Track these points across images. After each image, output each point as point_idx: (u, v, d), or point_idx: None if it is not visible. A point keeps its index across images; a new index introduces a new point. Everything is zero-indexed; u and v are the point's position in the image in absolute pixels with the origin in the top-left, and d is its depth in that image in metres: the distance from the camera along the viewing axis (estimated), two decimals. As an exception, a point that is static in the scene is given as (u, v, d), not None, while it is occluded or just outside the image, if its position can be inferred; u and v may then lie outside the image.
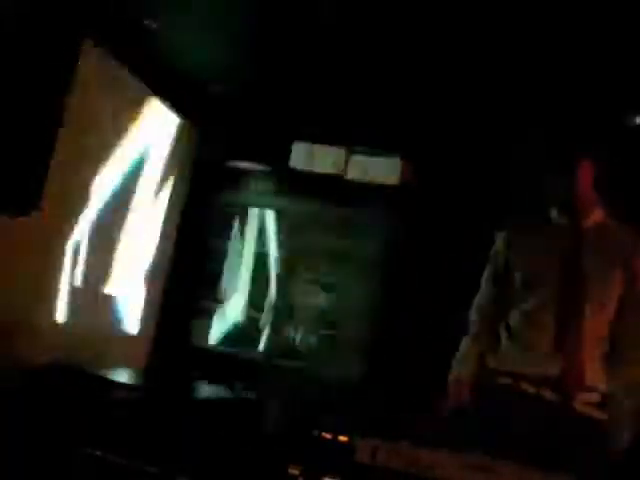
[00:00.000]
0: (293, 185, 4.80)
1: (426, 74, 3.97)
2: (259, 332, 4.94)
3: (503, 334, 2.31)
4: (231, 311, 4.99)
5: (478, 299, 2.48)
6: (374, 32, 3.66)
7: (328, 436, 2.63)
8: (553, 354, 2.19)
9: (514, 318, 2.31)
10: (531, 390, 2.20)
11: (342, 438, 2.53)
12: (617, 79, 3.45)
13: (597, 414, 2.20)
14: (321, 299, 4.83)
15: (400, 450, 1.92)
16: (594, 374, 2.20)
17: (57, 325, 3.85)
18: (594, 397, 2.21)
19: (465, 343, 2.45)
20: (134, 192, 4.42)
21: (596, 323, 2.21)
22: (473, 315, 2.48)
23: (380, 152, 4.62)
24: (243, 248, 5.04)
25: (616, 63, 3.31)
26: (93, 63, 3.69)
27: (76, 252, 3.93)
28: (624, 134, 3.64)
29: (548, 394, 2.18)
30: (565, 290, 2.23)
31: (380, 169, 4.61)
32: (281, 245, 4.97)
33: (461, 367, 2.35)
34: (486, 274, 2.48)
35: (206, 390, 4.12)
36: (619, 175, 2.58)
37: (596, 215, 2.34)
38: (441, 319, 4.09)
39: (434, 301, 4.23)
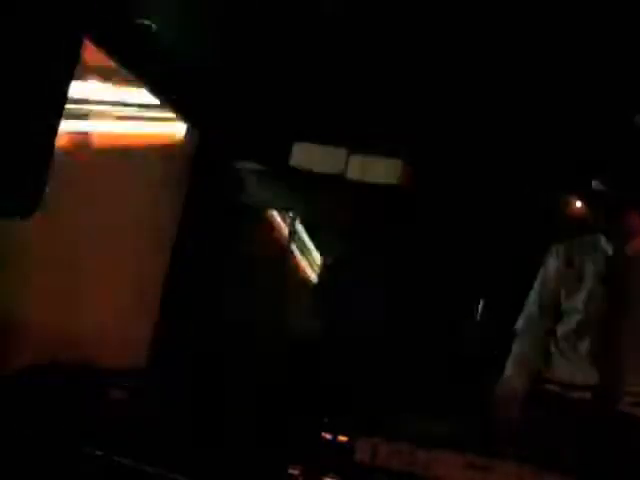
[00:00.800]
0: (293, 185, 4.80)
1: (426, 74, 3.97)
2: (259, 332, 4.95)
3: (552, 346, 2.44)
4: (231, 311, 4.99)
5: (529, 316, 2.58)
6: (374, 32, 3.66)
7: (328, 436, 2.64)
8: (596, 366, 2.30)
9: (562, 332, 2.44)
10: (578, 396, 2.31)
11: (342, 438, 2.54)
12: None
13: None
14: (321, 299, 4.84)
15: (400, 450, 1.92)
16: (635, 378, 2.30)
17: (56, 325, 3.85)
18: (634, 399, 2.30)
19: (520, 355, 2.53)
20: (134, 192, 4.42)
21: (636, 338, 2.33)
22: (525, 330, 2.57)
23: (380, 152, 4.62)
24: (243, 248, 5.04)
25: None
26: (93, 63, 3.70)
27: (76, 252, 3.93)
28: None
29: (593, 400, 2.28)
30: (608, 310, 2.36)
31: (380, 169, 4.61)
32: (280, 245, 4.97)
33: (516, 379, 2.45)
34: (539, 291, 2.58)
35: (205, 390, 4.12)
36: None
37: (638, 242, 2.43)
38: (442, 319, 4.09)
39: (435, 301, 4.23)
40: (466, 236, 4.17)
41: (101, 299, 4.20)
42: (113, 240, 4.27)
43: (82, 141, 3.90)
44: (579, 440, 2.15)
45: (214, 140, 4.91)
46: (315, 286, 4.91)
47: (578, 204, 3.80)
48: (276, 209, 4.98)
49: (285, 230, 4.99)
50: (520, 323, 2.64)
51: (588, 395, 2.31)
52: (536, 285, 2.64)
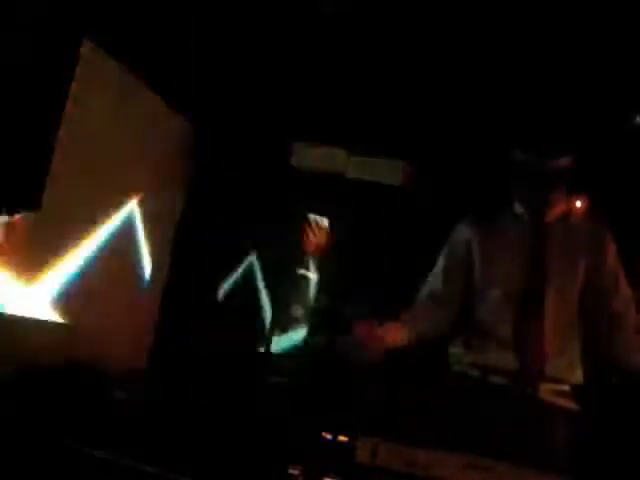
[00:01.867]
0: (294, 185, 4.80)
1: (426, 75, 3.97)
2: (259, 332, 4.95)
3: (470, 328, 2.32)
4: (231, 311, 4.99)
5: (432, 286, 2.43)
6: (374, 33, 3.66)
7: (328, 436, 2.64)
8: (516, 347, 2.22)
9: (478, 311, 2.32)
10: (498, 381, 2.23)
11: (342, 438, 2.54)
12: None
13: (564, 403, 2.22)
14: (320, 298, 4.84)
15: (400, 450, 1.92)
16: (560, 365, 2.23)
17: (57, 325, 3.85)
18: (561, 387, 2.23)
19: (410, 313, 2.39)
20: (134, 192, 4.42)
21: (559, 316, 2.23)
22: (425, 299, 2.42)
23: (380, 152, 4.62)
24: (244, 248, 5.04)
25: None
26: (93, 63, 3.69)
27: (76, 251, 3.93)
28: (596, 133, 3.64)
29: (514, 385, 2.21)
30: (527, 284, 2.26)
31: (380, 169, 4.61)
32: (281, 245, 4.97)
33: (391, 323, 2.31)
34: (444, 263, 2.44)
35: (205, 390, 4.12)
36: (585, 173, 2.57)
37: (559, 209, 2.33)
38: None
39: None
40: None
41: (101, 299, 4.20)
42: (113, 240, 4.28)
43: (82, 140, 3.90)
44: (497, 428, 2.09)
45: (214, 140, 4.91)
46: (317, 284, 4.91)
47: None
48: (276, 209, 4.98)
49: (285, 230, 4.98)
50: (422, 292, 2.46)
51: (507, 381, 2.22)
52: (441, 260, 2.46)
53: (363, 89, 4.24)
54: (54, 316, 3.84)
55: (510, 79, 3.76)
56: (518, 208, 2.35)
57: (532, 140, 2.27)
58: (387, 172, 4.59)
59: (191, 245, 4.92)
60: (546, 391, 2.20)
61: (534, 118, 2.58)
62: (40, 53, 3.21)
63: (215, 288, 5.00)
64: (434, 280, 2.42)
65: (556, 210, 2.29)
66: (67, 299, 3.91)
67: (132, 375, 4.14)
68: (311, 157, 4.75)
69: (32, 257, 3.60)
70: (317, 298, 4.91)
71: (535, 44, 3.42)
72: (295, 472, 2.39)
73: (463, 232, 2.41)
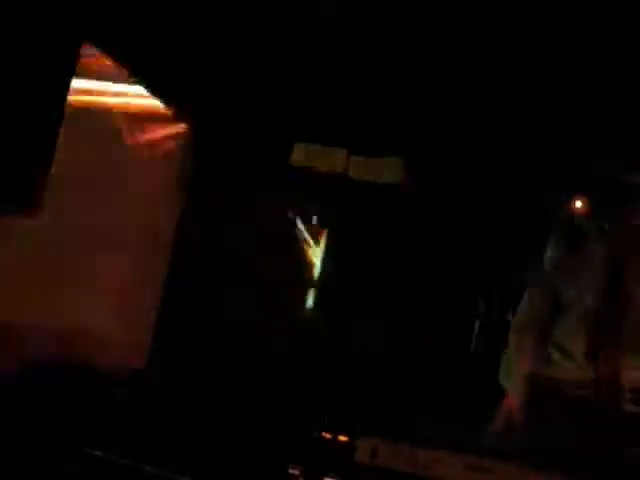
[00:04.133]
0: (293, 185, 4.80)
1: (426, 74, 3.97)
2: (259, 332, 4.94)
3: (550, 347, 2.37)
4: (231, 311, 4.98)
5: (522, 317, 2.49)
6: (374, 33, 3.66)
7: (328, 436, 2.63)
8: (594, 362, 2.25)
9: (561, 327, 2.36)
10: (577, 394, 2.26)
11: (342, 438, 2.53)
12: None
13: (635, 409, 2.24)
14: (322, 298, 4.83)
15: (400, 450, 1.92)
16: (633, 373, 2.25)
17: (57, 325, 3.85)
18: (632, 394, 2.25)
19: (512, 361, 2.45)
20: (133, 192, 4.41)
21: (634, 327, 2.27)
22: (517, 334, 2.48)
23: (380, 152, 4.62)
24: (244, 248, 5.04)
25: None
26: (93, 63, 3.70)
27: (76, 251, 3.93)
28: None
29: (593, 398, 2.24)
30: (610, 300, 2.29)
31: (380, 169, 4.61)
32: (281, 245, 4.97)
33: (513, 388, 2.37)
34: (533, 293, 2.49)
35: (206, 389, 4.11)
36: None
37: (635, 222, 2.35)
38: (443, 318, 4.09)
39: (436, 300, 4.23)
40: (466, 235, 4.17)
41: (101, 299, 4.20)
42: (113, 239, 4.27)
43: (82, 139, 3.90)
44: (581, 440, 2.12)
45: (214, 140, 4.91)
46: (316, 285, 4.91)
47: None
48: (276, 209, 4.98)
49: (285, 230, 4.98)
50: (518, 320, 2.53)
51: (588, 393, 2.26)
52: (534, 281, 2.53)
53: (363, 89, 4.24)
54: (54, 316, 3.84)
55: (514, 81, 3.75)
56: (595, 222, 2.36)
57: (612, 153, 2.28)
58: (387, 172, 4.59)
59: (191, 245, 4.92)
60: (630, 401, 2.21)
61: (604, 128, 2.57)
62: (40, 53, 3.21)
63: (215, 288, 5.00)
64: (530, 309, 2.46)
65: (632, 224, 2.30)
66: (67, 299, 3.91)
67: (132, 375, 4.14)
68: (311, 157, 4.75)
69: (32, 256, 3.60)
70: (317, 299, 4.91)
71: (542, 45, 3.41)
72: (295, 472, 2.39)
73: (549, 254, 2.45)
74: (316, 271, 4.98)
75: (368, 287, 4.62)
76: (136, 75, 4.13)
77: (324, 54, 3.95)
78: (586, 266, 2.34)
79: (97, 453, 3.15)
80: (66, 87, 3.43)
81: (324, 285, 4.89)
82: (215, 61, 4.27)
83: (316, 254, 4.98)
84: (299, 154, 4.77)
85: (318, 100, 4.43)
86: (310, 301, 4.96)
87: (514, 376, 2.40)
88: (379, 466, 1.89)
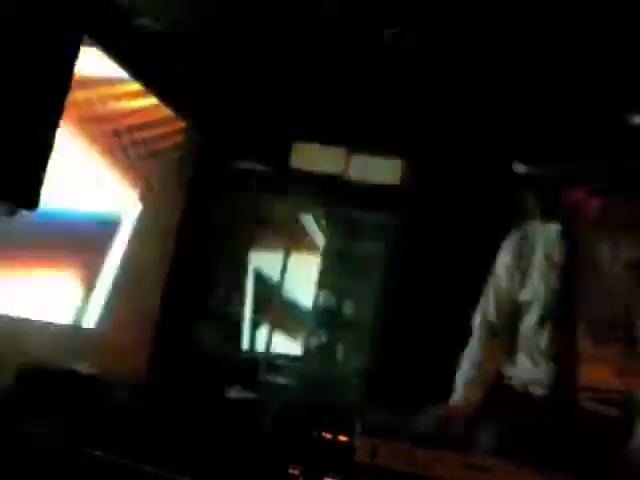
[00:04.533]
0: (293, 185, 4.80)
1: (425, 75, 3.98)
2: (259, 332, 4.95)
3: (515, 344, 2.36)
4: (231, 311, 4.99)
5: (484, 315, 2.47)
6: (374, 33, 3.66)
7: (328, 436, 2.63)
8: (554, 361, 2.24)
9: (523, 328, 2.35)
10: (539, 393, 2.25)
11: (342, 438, 2.53)
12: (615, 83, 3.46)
13: (605, 410, 2.23)
14: (323, 299, 4.84)
15: (400, 450, 1.92)
16: (600, 373, 2.24)
17: (57, 325, 3.85)
18: (602, 395, 2.24)
19: (470, 362, 2.43)
20: (133, 191, 4.42)
21: (598, 325, 2.24)
22: (481, 334, 2.46)
23: (380, 152, 4.63)
24: (244, 248, 5.04)
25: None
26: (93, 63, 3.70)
27: (76, 251, 3.94)
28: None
29: (553, 396, 2.23)
30: (564, 298, 2.27)
31: (380, 169, 4.61)
32: (280, 245, 4.97)
33: (470, 390, 2.35)
34: (493, 286, 2.47)
35: (207, 390, 4.12)
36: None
37: (589, 214, 2.32)
38: (443, 318, 4.09)
39: (435, 301, 4.23)
40: (466, 235, 4.18)
41: (100, 298, 4.20)
42: (112, 239, 4.28)
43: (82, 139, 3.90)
44: (541, 438, 2.11)
45: (214, 140, 4.92)
46: (316, 284, 4.91)
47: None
48: (276, 209, 4.98)
49: (286, 230, 4.99)
50: (475, 323, 2.49)
51: (548, 392, 2.25)
52: (489, 285, 2.49)
53: (363, 89, 4.25)
54: (54, 317, 3.85)
55: (512, 81, 3.76)
56: (544, 220, 2.35)
57: (537, 149, 2.27)
58: (387, 172, 4.59)
59: (192, 245, 4.92)
60: (587, 399, 2.21)
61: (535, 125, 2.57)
62: (40, 53, 3.21)
63: (215, 289, 5.00)
64: (486, 310, 2.45)
65: (589, 211, 2.27)
66: (66, 300, 3.91)
67: (132, 375, 4.15)
68: (311, 157, 4.75)
69: (30, 257, 3.60)
70: (317, 299, 4.91)
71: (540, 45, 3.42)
72: (295, 472, 2.38)
73: (501, 259, 2.43)
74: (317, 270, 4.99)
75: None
76: (136, 75, 4.13)
77: (324, 54, 3.96)
78: (540, 266, 2.32)
79: (97, 453, 3.15)
80: (66, 87, 3.43)
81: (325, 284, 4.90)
82: (215, 61, 4.27)
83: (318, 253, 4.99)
84: (299, 154, 4.78)
85: (318, 100, 4.44)
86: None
87: (471, 378, 2.37)
88: (379, 466, 1.89)
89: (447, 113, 4.25)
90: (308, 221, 5.00)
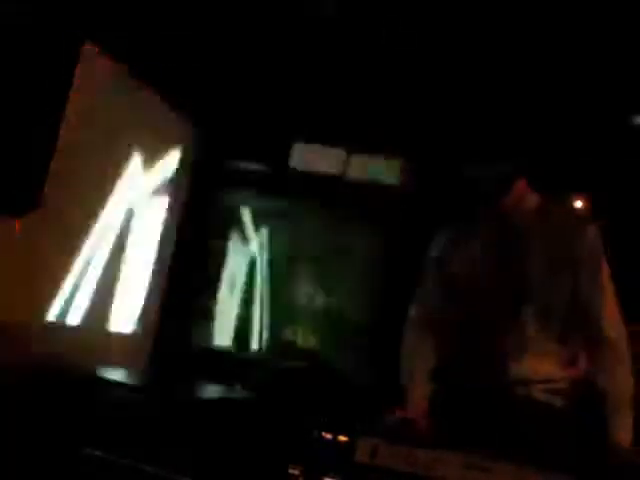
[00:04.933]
0: (293, 185, 4.80)
1: (425, 74, 3.98)
2: (259, 332, 4.95)
3: (452, 340, 2.34)
4: (231, 311, 4.99)
5: (421, 309, 2.45)
6: (373, 33, 3.67)
7: (328, 436, 2.64)
8: (503, 357, 2.24)
9: (462, 320, 2.33)
10: (494, 387, 2.25)
11: (342, 438, 2.53)
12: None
13: (554, 401, 2.24)
14: (320, 299, 4.84)
15: (400, 450, 1.92)
16: (548, 365, 2.24)
17: (57, 325, 3.85)
18: (552, 385, 2.25)
19: (411, 359, 2.40)
20: (134, 191, 4.42)
21: (543, 317, 2.24)
22: (418, 329, 2.43)
23: (380, 152, 4.62)
24: (243, 248, 5.04)
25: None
26: (93, 63, 3.70)
27: (76, 251, 3.93)
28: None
29: (502, 389, 2.23)
30: (505, 288, 2.26)
31: (380, 169, 4.61)
32: (281, 245, 4.97)
33: (414, 388, 2.32)
34: (429, 279, 2.45)
35: (206, 390, 4.12)
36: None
37: (528, 202, 2.31)
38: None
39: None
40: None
41: (100, 299, 4.20)
42: (112, 239, 4.28)
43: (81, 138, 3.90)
44: (494, 432, 2.11)
45: (214, 140, 4.92)
46: (315, 284, 4.91)
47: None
48: (276, 209, 4.98)
49: (286, 230, 4.99)
50: (410, 317, 2.47)
51: (498, 385, 2.25)
52: (425, 277, 2.48)
53: (363, 89, 4.25)
54: (53, 316, 3.85)
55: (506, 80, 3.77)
56: (482, 209, 2.35)
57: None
58: (387, 172, 4.59)
59: (191, 244, 4.92)
60: (539, 390, 2.22)
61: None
62: (40, 53, 3.21)
63: (215, 288, 5.00)
64: (422, 306, 2.44)
65: (526, 203, 2.26)
66: (66, 299, 3.91)
67: (132, 374, 4.15)
68: (311, 157, 4.75)
69: (30, 257, 3.60)
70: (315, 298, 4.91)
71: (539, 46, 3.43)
72: (295, 472, 2.39)
73: (437, 249, 2.42)
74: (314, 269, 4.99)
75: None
76: (136, 75, 4.13)
77: (324, 54, 3.96)
78: (478, 258, 2.30)
79: (97, 453, 3.16)
80: (66, 88, 3.43)
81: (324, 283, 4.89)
82: (215, 61, 4.27)
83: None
84: (299, 154, 4.78)
85: (318, 100, 4.44)
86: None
87: (414, 375, 2.34)
88: (379, 466, 1.89)
89: (447, 113, 4.24)
90: (307, 221, 5.00)
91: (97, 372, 3.70)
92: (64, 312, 3.89)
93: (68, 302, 3.91)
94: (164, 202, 4.76)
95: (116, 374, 3.86)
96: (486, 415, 2.15)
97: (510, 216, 2.26)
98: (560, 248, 2.23)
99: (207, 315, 4.94)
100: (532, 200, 2.29)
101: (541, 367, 2.20)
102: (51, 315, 3.82)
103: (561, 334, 2.22)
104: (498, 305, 2.24)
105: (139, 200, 4.46)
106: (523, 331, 2.20)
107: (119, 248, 4.32)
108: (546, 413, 2.18)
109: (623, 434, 2.07)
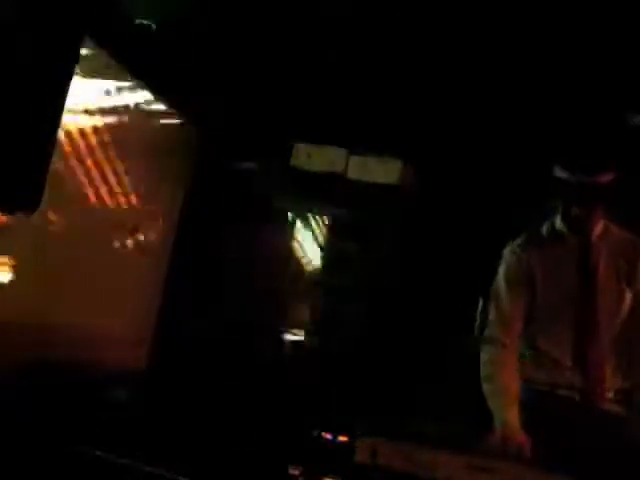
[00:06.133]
0: (293, 185, 4.79)
1: (425, 75, 3.97)
2: (259, 332, 4.94)
3: (527, 349, 2.39)
4: (231, 311, 4.98)
5: (501, 315, 2.45)
6: (374, 33, 3.67)
7: (328, 436, 2.64)
8: (575, 367, 2.28)
9: (535, 332, 2.38)
10: (562, 394, 2.29)
11: (342, 438, 2.54)
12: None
13: (616, 409, 2.28)
14: (322, 298, 4.84)
15: (400, 450, 1.92)
16: (612, 375, 2.30)
17: (57, 325, 3.84)
18: (613, 395, 2.30)
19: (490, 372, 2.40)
20: (134, 192, 4.41)
21: (610, 329, 2.31)
22: (502, 335, 2.43)
23: (380, 152, 4.62)
24: (243, 248, 5.04)
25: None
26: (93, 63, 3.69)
27: (77, 252, 3.93)
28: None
29: (577, 399, 2.27)
30: (581, 302, 2.32)
31: (380, 169, 4.60)
32: (281, 245, 4.97)
33: (506, 406, 2.32)
34: (506, 285, 2.46)
35: (206, 390, 4.11)
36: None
37: (601, 225, 2.40)
38: (442, 318, 4.09)
39: (435, 300, 4.23)
40: (466, 235, 4.17)
41: (101, 299, 4.20)
42: (113, 239, 4.27)
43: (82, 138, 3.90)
44: (567, 438, 2.14)
45: (214, 140, 4.91)
46: (315, 285, 4.91)
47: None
48: (276, 209, 4.97)
49: (285, 230, 4.98)
50: (488, 330, 2.47)
51: (572, 394, 2.29)
52: (498, 290, 2.48)
53: (362, 89, 4.24)
54: (53, 316, 3.84)
55: (519, 81, 3.76)
56: (560, 225, 2.38)
57: (574, 156, 2.29)
58: (387, 172, 4.58)
59: (191, 244, 4.92)
60: (608, 400, 2.26)
61: (573, 134, 2.62)
62: (40, 53, 3.21)
63: (215, 287, 5.00)
64: (501, 309, 2.44)
65: (599, 227, 2.35)
66: (65, 299, 3.91)
67: (132, 375, 4.14)
68: (311, 157, 4.74)
69: (29, 255, 3.60)
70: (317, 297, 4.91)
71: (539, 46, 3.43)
72: (295, 472, 2.39)
73: (521, 254, 2.44)
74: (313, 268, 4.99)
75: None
76: (136, 75, 4.13)
77: (324, 54, 3.96)
78: (557, 270, 2.36)
79: (97, 453, 3.15)
80: (66, 87, 3.42)
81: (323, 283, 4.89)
82: (215, 61, 4.27)
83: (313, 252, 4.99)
84: (299, 154, 4.77)
85: (318, 100, 4.43)
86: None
87: (495, 389, 2.34)
88: (379, 466, 1.89)
89: (447, 113, 4.24)
90: (307, 221, 5.00)
91: (97, 372, 3.69)
92: (63, 312, 3.89)
93: (68, 302, 3.91)
94: (164, 201, 4.76)
95: (116, 374, 3.86)
96: (571, 424, 2.19)
97: (588, 235, 2.34)
98: (623, 264, 2.36)
99: (207, 315, 4.94)
100: (602, 223, 2.41)
101: (612, 377, 2.26)
102: (51, 315, 3.82)
103: (618, 344, 2.29)
104: (575, 315, 2.30)
105: (137, 200, 4.46)
106: (598, 337, 2.26)
107: (119, 248, 4.32)
108: (618, 423, 2.22)
109: None
